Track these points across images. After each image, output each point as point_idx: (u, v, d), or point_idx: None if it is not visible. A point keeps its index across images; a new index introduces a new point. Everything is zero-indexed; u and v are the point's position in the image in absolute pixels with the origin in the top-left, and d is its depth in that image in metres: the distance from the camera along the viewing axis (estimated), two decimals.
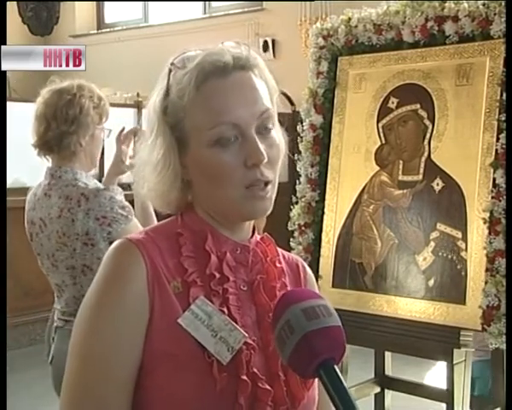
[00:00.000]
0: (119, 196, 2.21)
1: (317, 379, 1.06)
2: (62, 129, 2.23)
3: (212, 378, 0.97)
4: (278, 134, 1.07)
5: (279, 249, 1.17)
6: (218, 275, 1.04)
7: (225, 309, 1.02)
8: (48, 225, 2.24)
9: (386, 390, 3.18)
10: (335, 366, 0.89)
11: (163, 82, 1.06)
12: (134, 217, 2.22)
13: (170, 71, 1.05)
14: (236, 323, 1.02)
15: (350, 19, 2.95)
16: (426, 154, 2.71)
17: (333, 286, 2.88)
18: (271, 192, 1.04)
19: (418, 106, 2.76)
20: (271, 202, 1.05)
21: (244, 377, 0.99)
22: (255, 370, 1.00)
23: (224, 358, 0.98)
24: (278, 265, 1.12)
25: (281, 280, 1.11)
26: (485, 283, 2.43)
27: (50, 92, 2.26)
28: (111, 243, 1.36)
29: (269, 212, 1.05)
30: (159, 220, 1.17)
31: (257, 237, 1.12)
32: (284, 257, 1.17)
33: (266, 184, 1.03)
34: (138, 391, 0.99)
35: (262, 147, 1.01)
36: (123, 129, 2.45)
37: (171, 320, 0.99)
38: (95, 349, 0.98)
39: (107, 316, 0.99)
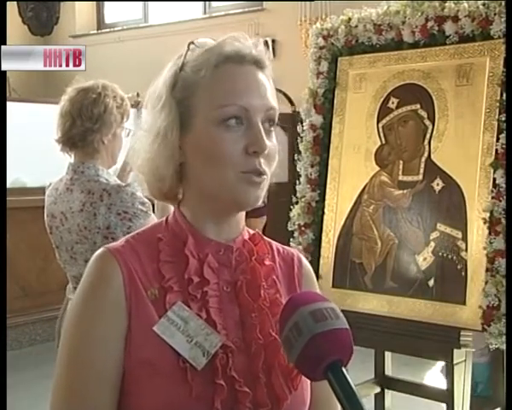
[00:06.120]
0: (140, 192, 2.26)
1: (308, 381, 1.06)
2: (87, 126, 2.30)
3: (187, 384, 0.97)
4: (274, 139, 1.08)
5: (275, 244, 1.17)
6: (197, 279, 1.04)
7: (204, 313, 1.02)
8: (69, 219, 2.30)
9: (386, 390, 3.18)
10: (343, 368, 0.89)
11: (178, 60, 1.07)
12: (152, 213, 2.28)
13: (188, 49, 1.07)
14: (216, 326, 1.02)
15: (350, 19, 2.94)
16: (426, 154, 2.71)
17: (333, 286, 2.88)
18: (264, 184, 1.05)
19: (418, 106, 2.75)
20: (263, 194, 1.05)
21: (220, 382, 0.98)
22: (233, 373, 1.00)
23: (198, 363, 0.98)
24: (267, 263, 1.11)
25: (270, 278, 1.10)
26: (485, 283, 2.42)
27: (76, 91, 2.33)
28: None
29: (259, 203, 1.05)
30: None
31: (245, 235, 1.11)
32: (279, 252, 1.16)
33: (261, 174, 1.03)
34: (123, 398, 1.00)
35: (265, 138, 1.03)
36: None
37: (147, 328, 1.00)
38: (78, 354, 1.01)
39: (87, 324, 1.01)
